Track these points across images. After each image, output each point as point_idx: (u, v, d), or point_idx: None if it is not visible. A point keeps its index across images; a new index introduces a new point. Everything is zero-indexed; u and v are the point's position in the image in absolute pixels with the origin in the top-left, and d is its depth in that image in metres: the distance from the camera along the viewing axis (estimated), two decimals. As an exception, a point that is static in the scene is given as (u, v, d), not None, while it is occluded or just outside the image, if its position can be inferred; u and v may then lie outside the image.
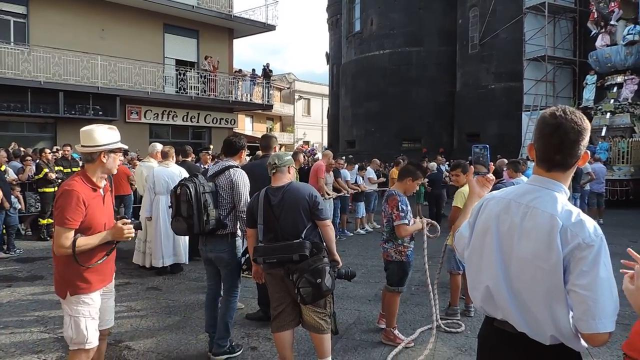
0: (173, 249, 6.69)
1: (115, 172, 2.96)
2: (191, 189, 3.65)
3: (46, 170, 9.09)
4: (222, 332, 3.90)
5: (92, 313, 2.77)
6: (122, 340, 4.31)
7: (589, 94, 18.26)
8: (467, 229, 1.81)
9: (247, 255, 3.82)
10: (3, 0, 14.89)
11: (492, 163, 2.18)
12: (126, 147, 3.27)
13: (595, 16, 18.11)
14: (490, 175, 2.07)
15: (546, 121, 1.58)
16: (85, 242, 2.68)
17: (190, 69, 18.52)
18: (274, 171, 3.37)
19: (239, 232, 3.90)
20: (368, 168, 11.66)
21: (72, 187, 2.68)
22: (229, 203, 3.83)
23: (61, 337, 4.30)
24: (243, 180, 3.88)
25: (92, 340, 2.76)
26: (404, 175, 4.27)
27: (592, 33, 18.29)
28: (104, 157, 2.77)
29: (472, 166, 2.12)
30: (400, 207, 4.06)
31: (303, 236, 3.23)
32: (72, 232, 2.64)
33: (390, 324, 4.32)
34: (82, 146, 2.78)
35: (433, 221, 4.51)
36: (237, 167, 3.97)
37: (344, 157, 15.96)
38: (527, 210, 1.58)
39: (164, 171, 6.61)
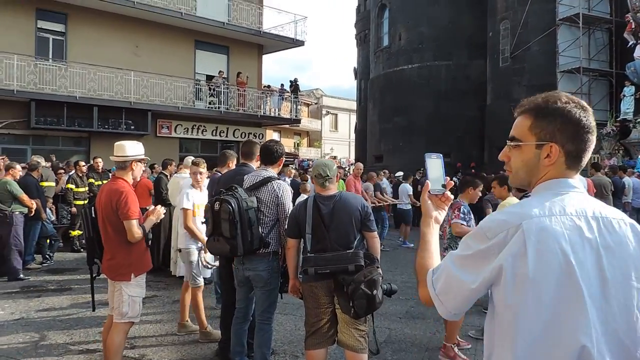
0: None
1: (139, 178, 3.52)
2: (234, 206, 3.21)
3: (71, 186, 9.33)
4: None
5: (142, 295, 3.50)
6: (145, 355, 4.23)
7: (627, 105, 17.62)
8: (476, 274, 1.21)
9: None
10: (43, 19, 15.46)
11: (447, 177, 1.68)
12: (148, 158, 3.95)
13: (633, 27, 17.53)
14: (448, 193, 1.53)
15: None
16: (147, 227, 3.45)
17: (220, 84, 18.76)
18: (327, 183, 3.22)
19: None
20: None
21: (128, 188, 3.41)
22: (272, 220, 3.49)
23: (87, 350, 4.28)
24: (290, 196, 3.56)
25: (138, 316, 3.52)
26: (464, 186, 4.62)
27: (629, 44, 17.69)
28: (133, 165, 3.50)
29: (427, 182, 1.52)
30: (461, 210, 4.39)
31: (353, 247, 3.12)
32: (137, 222, 3.33)
33: (451, 339, 4.16)
34: (117, 156, 3.44)
35: None
36: (278, 179, 3.63)
37: (386, 172, 16.26)
38: (597, 222, 1.22)
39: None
